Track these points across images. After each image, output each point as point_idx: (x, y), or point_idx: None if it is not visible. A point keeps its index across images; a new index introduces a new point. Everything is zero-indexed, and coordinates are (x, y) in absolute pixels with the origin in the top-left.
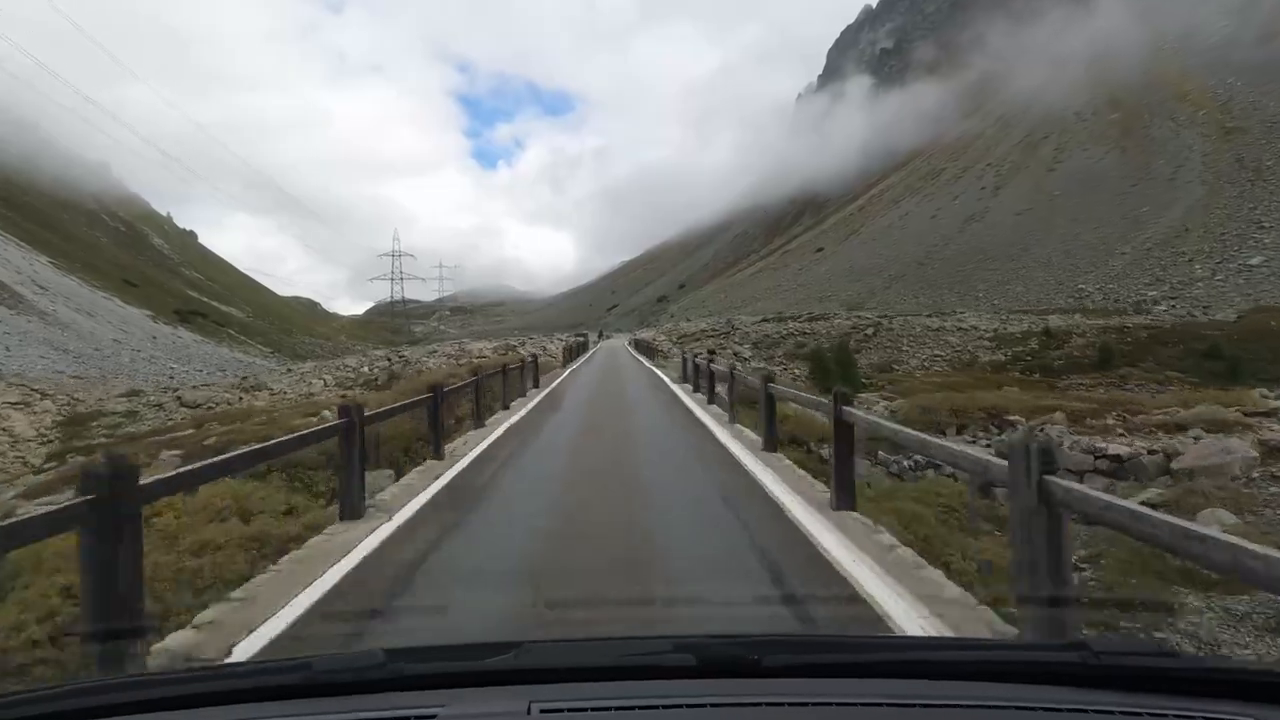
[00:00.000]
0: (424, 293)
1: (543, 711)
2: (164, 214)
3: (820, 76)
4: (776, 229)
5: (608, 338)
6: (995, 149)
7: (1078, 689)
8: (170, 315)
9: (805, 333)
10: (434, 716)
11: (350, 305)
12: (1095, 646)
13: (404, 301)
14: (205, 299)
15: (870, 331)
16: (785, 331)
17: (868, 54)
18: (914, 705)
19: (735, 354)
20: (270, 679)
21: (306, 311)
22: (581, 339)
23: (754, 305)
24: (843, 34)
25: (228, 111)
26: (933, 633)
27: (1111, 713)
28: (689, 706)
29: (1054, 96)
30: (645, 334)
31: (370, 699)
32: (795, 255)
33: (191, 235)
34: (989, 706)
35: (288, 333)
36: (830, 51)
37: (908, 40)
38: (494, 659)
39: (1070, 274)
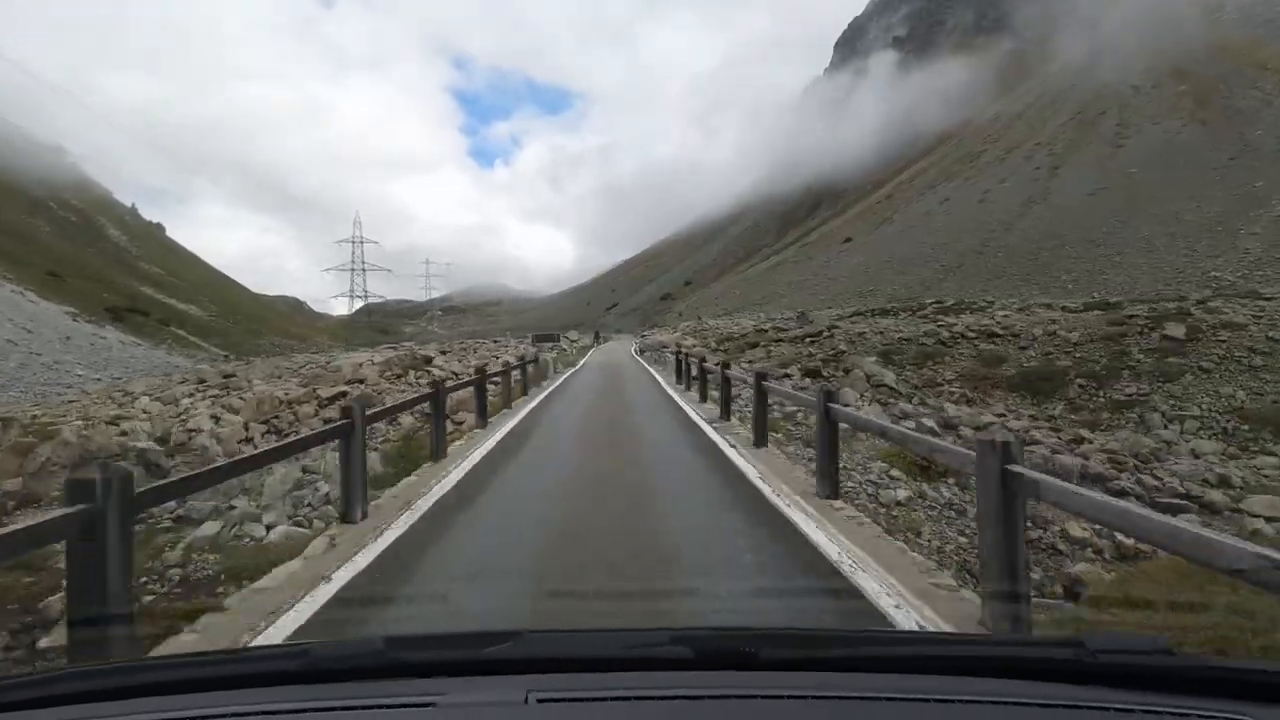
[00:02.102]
0: (413, 291)
1: (540, 701)
2: (127, 204)
3: (828, 68)
4: (790, 221)
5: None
6: (1043, 128)
7: (1075, 685)
8: (100, 313)
9: (990, 333)
10: (433, 704)
11: (347, 304)
12: (1092, 644)
13: (366, 295)
14: (160, 296)
15: (1178, 334)
16: (947, 332)
17: (880, 42)
18: (911, 700)
19: (869, 378)
20: (270, 665)
21: (290, 311)
22: (550, 343)
23: (778, 301)
24: (851, 24)
25: (223, 106)
26: None
27: (1108, 709)
28: (686, 699)
29: (1103, 72)
30: (660, 336)
31: (369, 686)
32: (818, 247)
33: (158, 228)
34: (985, 702)
35: (256, 333)
36: (838, 43)
37: (924, 24)
38: (492, 648)
39: (1188, 259)
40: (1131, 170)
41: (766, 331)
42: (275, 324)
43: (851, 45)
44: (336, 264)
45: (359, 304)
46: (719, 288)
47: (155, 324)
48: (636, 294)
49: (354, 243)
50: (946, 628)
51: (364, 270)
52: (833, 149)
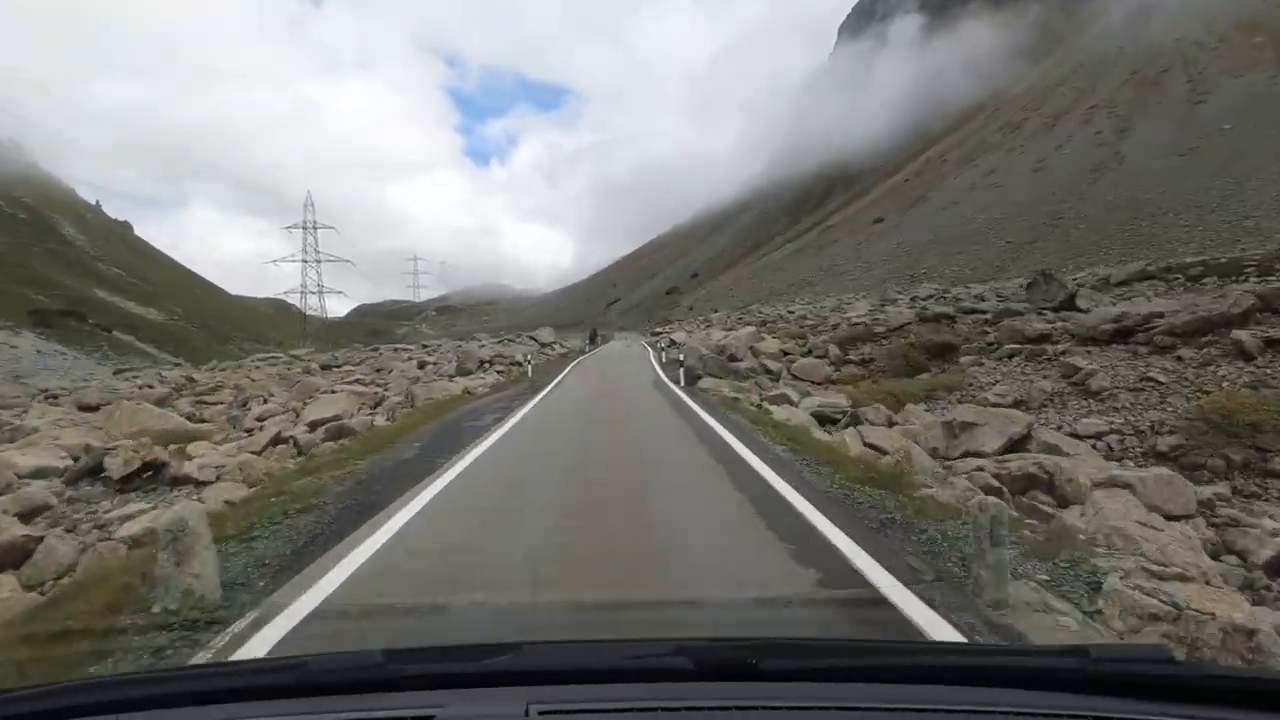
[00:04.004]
0: (401, 291)
1: (541, 713)
2: (91, 202)
3: (833, 51)
4: (802, 208)
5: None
6: (1093, 92)
7: (1077, 694)
8: (20, 317)
9: None
10: (432, 717)
11: (339, 306)
12: (1094, 653)
13: (321, 290)
14: (113, 298)
15: None
16: None
17: (893, 16)
18: (912, 710)
19: None
20: (268, 678)
21: (275, 314)
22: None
23: (809, 289)
24: (856, 5)
25: (214, 109)
26: None
27: (1110, 718)
28: (687, 709)
29: (1153, 31)
30: (707, 331)
31: (368, 699)
32: (843, 230)
33: (124, 226)
34: (988, 711)
35: (223, 339)
36: (842, 25)
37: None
38: (492, 660)
39: None
40: (1225, 126)
41: (951, 321)
42: (252, 328)
43: (858, 24)
44: (285, 255)
45: (314, 301)
46: (729, 279)
47: (90, 329)
48: (639, 289)
49: (305, 229)
50: None
51: (319, 262)
52: (845, 131)
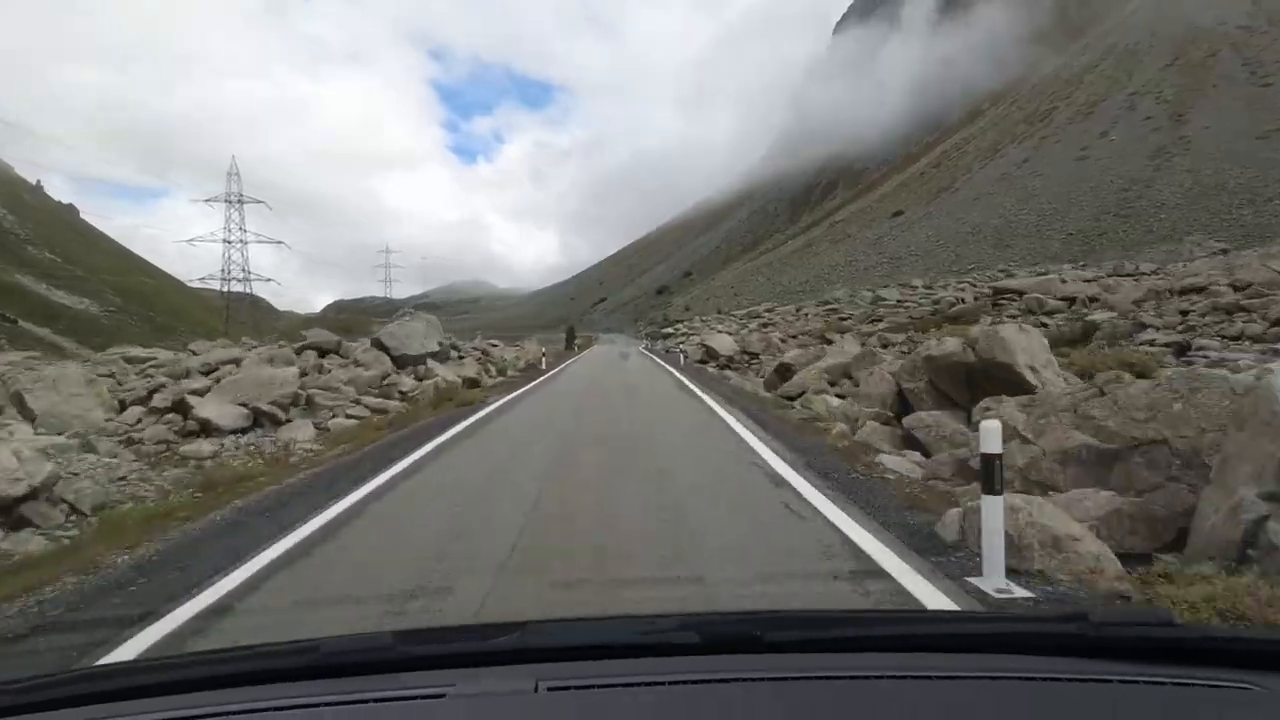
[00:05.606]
0: (376, 288)
1: (550, 690)
2: (32, 181)
3: (830, 44)
4: (805, 202)
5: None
6: (1129, 79)
7: (1078, 659)
8: None
9: None
10: (443, 696)
11: (318, 300)
12: (1095, 617)
13: (247, 277)
14: (38, 286)
15: None
16: None
17: (895, 8)
18: (916, 678)
19: None
20: (279, 661)
21: (239, 308)
22: None
23: (829, 286)
24: None
25: (196, 99)
26: None
27: (1111, 682)
28: (695, 683)
29: (1188, 16)
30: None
31: (379, 679)
32: (857, 224)
33: (69, 209)
34: (990, 678)
35: (165, 331)
36: (845, 15)
37: None
38: (501, 638)
39: None
40: None
41: None
42: (204, 321)
43: (865, 9)
44: (204, 234)
45: (239, 289)
46: (729, 276)
47: None
48: (628, 287)
49: (229, 202)
50: None
51: (244, 243)
52: (850, 122)
